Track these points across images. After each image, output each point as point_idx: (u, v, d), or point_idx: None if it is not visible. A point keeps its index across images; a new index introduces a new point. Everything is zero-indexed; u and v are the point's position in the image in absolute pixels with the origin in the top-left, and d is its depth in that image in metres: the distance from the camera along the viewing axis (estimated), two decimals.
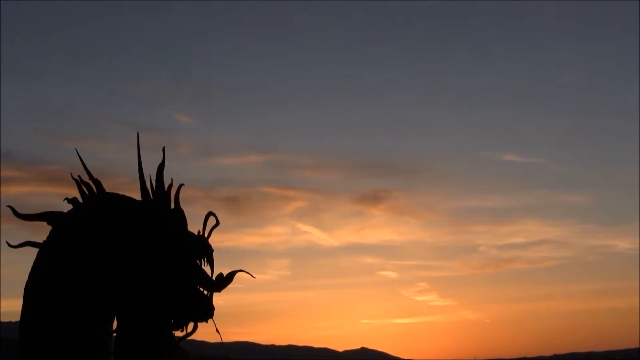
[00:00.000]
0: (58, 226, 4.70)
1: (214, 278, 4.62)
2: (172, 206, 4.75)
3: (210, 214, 4.78)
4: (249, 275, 4.79)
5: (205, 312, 4.60)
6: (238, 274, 4.72)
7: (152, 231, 4.59)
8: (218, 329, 4.69)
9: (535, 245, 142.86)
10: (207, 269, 4.63)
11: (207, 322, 4.64)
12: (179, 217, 4.72)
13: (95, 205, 4.70)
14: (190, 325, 4.63)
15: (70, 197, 4.77)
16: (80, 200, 4.75)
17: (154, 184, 4.76)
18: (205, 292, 4.61)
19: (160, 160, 4.77)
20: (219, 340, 4.77)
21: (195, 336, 4.71)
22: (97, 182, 4.76)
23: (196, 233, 4.73)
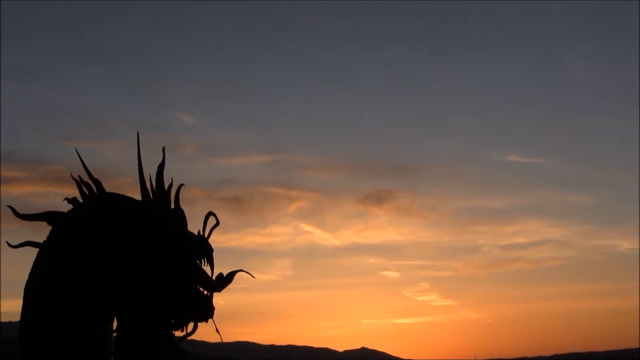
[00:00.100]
0: (58, 226, 4.70)
1: (214, 278, 4.62)
2: (172, 206, 4.75)
3: (210, 214, 4.77)
4: (250, 276, 4.79)
5: (205, 312, 4.59)
6: (239, 274, 4.72)
7: (152, 231, 4.58)
8: (218, 329, 4.69)
9: (538, 245, 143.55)
10: (207, 268, 4.63)
11: (207, 322, 4.64)
12: (179, 217, 4.72)
13: (95, 205, 4.70)
14: (190, 325, 4.63)
15: (70, 197, 4.77)
16: (81, 200, 4.75)
17: (154, 184, 4.77)
18: (205, 292, 4.61)
19: (166, 160, 4.78)
20: (219, 340, 4.77)
21: (195, 336, 4.71)
22: (97, 182, 4.75)
23: (196, 233, 4.73)
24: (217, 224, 4.78)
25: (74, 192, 4.77)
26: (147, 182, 4.76)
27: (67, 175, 4.78)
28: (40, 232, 4.75)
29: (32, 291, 4.63)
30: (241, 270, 4.72)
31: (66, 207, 4.78)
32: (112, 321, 4.67)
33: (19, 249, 4.70)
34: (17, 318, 4.67)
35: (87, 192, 4.74)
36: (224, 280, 4.64)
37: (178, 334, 4.65)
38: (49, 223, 4.73)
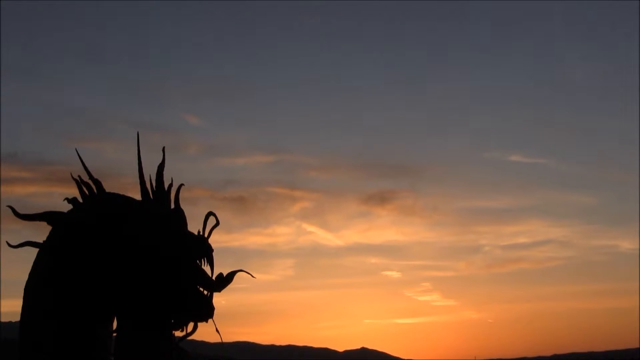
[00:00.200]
0: (58, 226, 4.70)
1: (214, 278, 4.62)
2: (172, 206, 4.75)
3: (210, 214, 4.77)
4: (250, 276, 4.79)
5: (205, 312, 4.59)
6: (240, 274, 4.72)
7: (152, 231, 4.58)
8: (218, 329, 4.69)
9: (540, 245, 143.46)
10: (207, 268, 4.63)
11: (207, 322, 4.64)
12: (179, 217, 4.72)
13: (95, 205, 4.69)
14: (190, 325, 4.63)
15: (70, 197, 4.77)
16: (80, 200, 4.75)
17: (154, 184, 4.76)
18: (205, 292, 4.61)
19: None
20: (219, 340, 4.77)
21: (195, 336, 4.71)
22: (97, 182, 4.75)
23: (196, 233, 4.73)
24: (217, 224, 4.78)
25: (76, 192, 4.78)
26: (147, 182, 4.76)
27: (70, 175, 4.78)
28: (40, 232, 4.75)
29: (32, 291, 4.63)
30: (241, 270, 4.72)
31: (66, 207, 4.79)
32: (112, 321, 4.67)
33: (19, 249, 4.70)
34: (17, 318, 4.67)
35: (87, 192, 4.74)
36: (224, 280, 4.64)
37: (178, 334, 4.65)
38: (49, 223, 4.73)
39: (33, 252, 4.72)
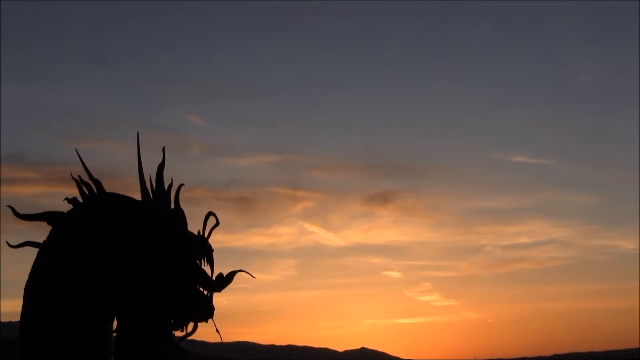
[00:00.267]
0: (58, 226, 4.70)
1: (214, 278, 4.62)
2: (172, 206, 4.75)
3: (210, 213, 4.77)
4: (250, 276, 4.79)
5: (205, 312, 4.59)
6: (241, 274, 4.72)
7: (152, 231, 4.58)
8: (218, 329, 4.69)
9: (541, 245, 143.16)
10: (207, 268, 4.63)
11: (207, 322, 4.64)
12: (179, 217, 4.72)
13: (95, 205, 4.69)
14: (190, 325, 4.63)
15: (70, 197, 4.77)
16: (80, 200, 4.75)
17: (154, 183, 4.76)
18: (205, 292, 4.61)
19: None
20: (219, 340, 4.77)
21: (195, 336, 4.71)
22: (97, 182, 4.75)
23: (196, 233, 4.73)
24: (217, 224, 4.78)
25: (78, 192, 4.78)
26: (147, 182, 4.76)
27: (70, 175, 4.78)
28: (40, 232, 4.75)
29: (32, 291, 4.63)
30: (241, 270, 4.72)
31: (66, 207, 4.79)
32: (112, 321, 4.67)
33: (19, 249, 4.70)
34: (17, 318, 4.67)
35: (87, 192, 4.74)
36: (224, 280, 4.64)
37: (178, 334, 4.65)
38: (48, 223, 4.73)
39: (33, 252, 4.72)
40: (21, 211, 4.73)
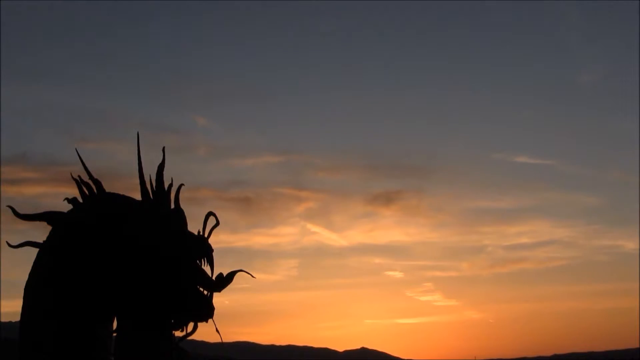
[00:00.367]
0: (58, 226, 4.70)
1: (213, 278, 4.62)
2: (172, 206, 4.75)
3: (210, 213, 4.77)
4: (250, 276, 4.79)
5: (205, 312, 4.59)
6: (242, 274, 4.72)
7: (152, 231, 4.58)
8: (218, 329, 4.69)
9: (543, 245, 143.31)
10: (207, 268, 4.63)
11: (207, 322, 4.64)
12: (179, 217, 4.72)
13: (95, 205, 4.70)
14: (190, 325, 4.63)
15: (70, 197, 4.77)
16: (80, 200, 4.75)
17: (155, 184, 4.76)
18: (205, 292, 4.61)
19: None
20: (219, 340, 4.77)
21: (195, 336, 4.71)
22: (97, 182, 4.75)
23: (196, 233, 4.73)
24: (217, 224, 4.78)
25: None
26: (147, 182, 4.76)
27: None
28: (40, 232, 4.75)
29: (32, 291, 4.63)
30: (241, 271, 4.72)
31: (67, 207, 4.79)
32: (112, 321, 4.67)
33: (19, 249, 4.70)
34: (17, 318, 4.67)
35: (87, 192, 4.74)
36: (223, 281, 4.64)
37: (178, 334, 4.65)
38: (48, 223, 4.73)
39: (33, 252, 4.72)
40: (24, 211, 4.73)
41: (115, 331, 4.62)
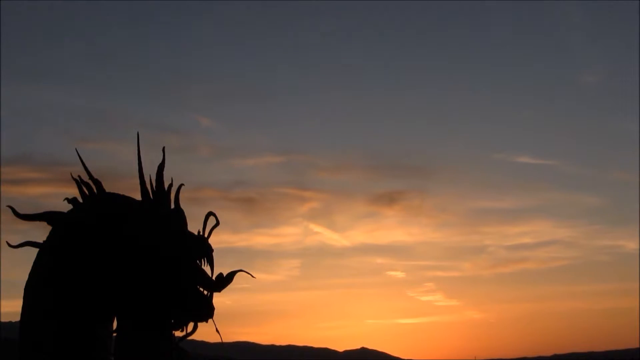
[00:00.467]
0: (58, 226, 4.70)
1: (213, 278, 4.62)
2: (172, 206, 4.75)
3: (210, 213, 4.78)
4: (250, 276, 4.79)
5: (205, 312, 4.60)
6: (242, 274, 4.73)
7: (152, 231, 4.59)
8: (218, 329, 4.69)
9: (544, 245, 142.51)
10: (207, 268, 4.63)
11: (207, 322, 4.64)
12: (179, 217, 4.72)
13: (95, 205, 4.70)
14: (190, 325, 4.63)
15: (70, 197, 4.77)
16: (80, 200, 4.75)
17: (155, 184, 4.76)
18: (205, 292, 4.61)
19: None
20: (219, 340, 4.77)
21: (195, 336, 4.71)
22: (97, 182, 4.76)
23: (196, 233, 4.73)
24: (217, 224, 4.78)
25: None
26: (147, 183, 4.76)
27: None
28: (40, 232, 4.76)
29: (32, 291, 4.64)
30: (241, 271, 4.73)
31: (67, 207, 4.79)
32: (112, 321, 4.67)
33: (19, 249, 4.71)
34: (17, 318, 4.68)
35: (87, 192, 4.74)
36: (223, 281, 4.64)
37: (178, 334, 4.65)
38: (48, 223, 4.74)
39: (33, 252, 4.72)
40: (26, 211, 4.74)
41: (115, 331, 4.62)
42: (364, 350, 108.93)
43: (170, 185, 4.76)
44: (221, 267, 4.67)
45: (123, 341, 4.57)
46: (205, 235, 4.72)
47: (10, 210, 4.73)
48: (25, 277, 4.70)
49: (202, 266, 4.62)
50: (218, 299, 4.65)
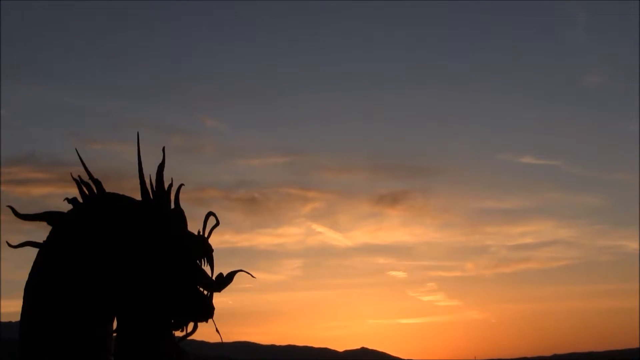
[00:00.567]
0: (58, 226, 4.70)
1: (214, 278, 4.62)
2: (172, 206, 4.75)
3: (210, 213, 4.78)
4: (250, 276, 4.79)
5: (205, 312, 4.60)
6: (243, 274, 4.73)
7: (152, 231, 4.59)
8: (218, 329, 4.69)
9: (546, 245, 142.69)
10: (207, 268, 4.63)
11: (207, 322, 4.64)
12: (179, 217, 4.72)
13: (95, 205, 4.70)
14: (190, 325, 4.63)
15: (70, 197, 4.77)
16: (81, 200, 4.75)
17: (156, 183, 4.76)
18: (205, 292, 4.61)
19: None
20: (219, 340, 4.77)
21: (195, 336, 4.71)
22: (97, 182, 4.76)
23: (196, 233, 4.73)
24: (217, 224, 4.78)
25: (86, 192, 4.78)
26: (147, 182, 4.76)
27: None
28: (40, 232, 4.76)
29: (32, 291, 4.63)
30: (241, 270, 4.72)
31: (68, 207, 4.79)
32: (112, 321, 4.67)
33: (19, 249, 4.71)
34: (17, 318, 4.68)
35: (87, 192, 4.75)
36: (224, 281, 4.64)
37: (178, 334, 4.65)
38: (48, 223, 4.74)
39: (33, 252, 4.72)
40: (30, 211, 4.74)
41: (115, 331, 4.62)
42: (364, 350, 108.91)
43: (171, 185, 4.77)
44: (224, 267, 4.69)
45: (123, 341, 4.56)
46: (206, 235, 4.72)
47: (10, 210, 4.74)
48: (25, 277, 4.70)
49: (202, 266, 4.62)
50: (219, 298, 4.67)
